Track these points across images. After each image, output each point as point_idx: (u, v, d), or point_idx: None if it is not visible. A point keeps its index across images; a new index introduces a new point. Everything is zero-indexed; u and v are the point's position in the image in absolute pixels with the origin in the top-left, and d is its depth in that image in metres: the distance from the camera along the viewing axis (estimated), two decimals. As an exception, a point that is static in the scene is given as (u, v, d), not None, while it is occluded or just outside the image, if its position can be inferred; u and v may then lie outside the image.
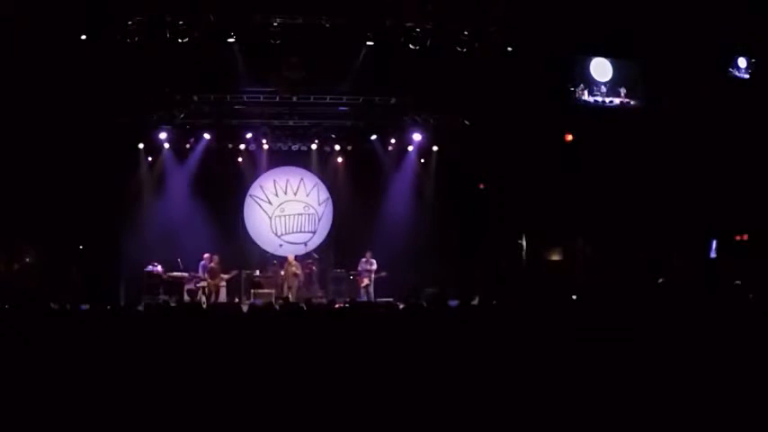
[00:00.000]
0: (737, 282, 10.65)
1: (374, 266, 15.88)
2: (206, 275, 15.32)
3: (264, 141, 17.19)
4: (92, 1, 12.29)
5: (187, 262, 15.68)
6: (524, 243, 16.08)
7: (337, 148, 17.55)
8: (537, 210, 15.14)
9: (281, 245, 17.41)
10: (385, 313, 8.52)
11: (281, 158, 17.83)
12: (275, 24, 13.04)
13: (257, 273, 16.50)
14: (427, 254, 16.99)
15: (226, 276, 15.61)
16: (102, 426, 3.98)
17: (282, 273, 15.86)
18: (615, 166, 14.59)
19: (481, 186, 17.06)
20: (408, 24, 13.37)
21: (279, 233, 17.77)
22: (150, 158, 16.81)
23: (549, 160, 14.85)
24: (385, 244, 16.20)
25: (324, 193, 18.11)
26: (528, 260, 16.03)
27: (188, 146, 16.86)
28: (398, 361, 4.87)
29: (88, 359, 4.92)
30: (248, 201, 17.81)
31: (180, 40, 12.68)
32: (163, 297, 14.87)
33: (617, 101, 14.62)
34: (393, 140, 17.50)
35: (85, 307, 9.06)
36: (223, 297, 15.72)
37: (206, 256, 15.52)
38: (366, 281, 15.73)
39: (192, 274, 15.46)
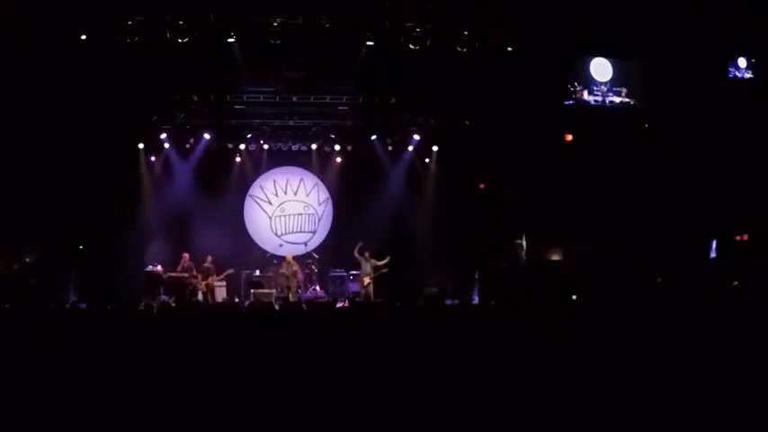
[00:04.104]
0: (737, 282, 10.66)
1: (380, 262, 15.73)
2: (192, 274, 15.34)
3: (264, 141, 17.20)
4: (92, 1, 12.29)
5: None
6: (524, 243, 16.07)
7: (337, 148, 17.54)
8: (537, 210, 15.13)
9: (281, 245, 17.40)
10: (385, 313, 8.51)
11: (281, 158, 17.81)
12: (275, 24, 13.04)
13: (257, 273, 16.49)
14: (427, 254, 16.99)
15: (219, 276, 15.58)
16: (102, 425, 3.98)
17: (282, 273, 15.85)
18: (615, 166, 14.60)
19: (481, 186, 17.06)
20: (408, 24, 13.37)
21: (279, 233, 17.77)
22: (150, 158, 16.81)
23: (549, 160, 14.85)
24: (385, 244, 16.18)
25: (324, 193, 18.10)
26: (528, 260, 16.02)
27: (188, 146, 16.86)
28: (398, 360, 4.87)
29: (88, 359, 4.92)
30: (248, 201, 17.81)
31: (180, 40, 12.68)
32: (163, 297, 14.86)
33: (617, 101, 14.62)
34: (393, 140, 17.50)
35: (85, 307, 9.07)
36: (222, 297, 15.73)
37: (185, 255, 15.54)
38: (367, 280, 15.69)
39: (191, 274, 15.47)
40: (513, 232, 16.23)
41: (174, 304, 13.10)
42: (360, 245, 15.61)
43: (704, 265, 14.67)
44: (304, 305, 10.47)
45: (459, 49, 13.57)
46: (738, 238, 14.89)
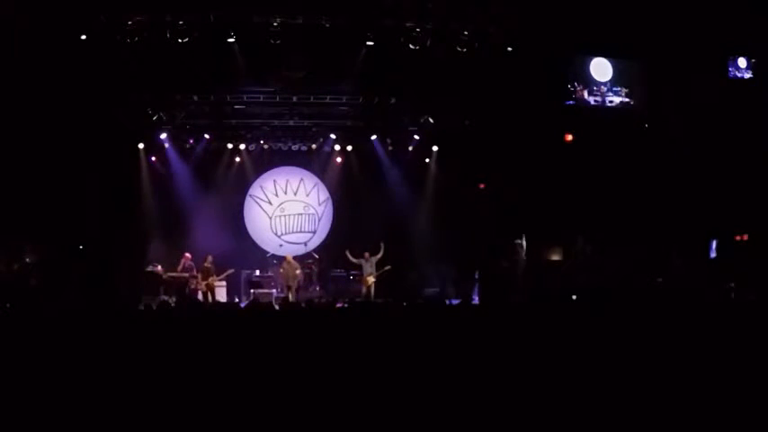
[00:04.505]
0: (737, 282, 10.65)
1: (379, 255, 15.70)
2: (192, 274, 15.35)
3: (264, 141, 17.20)
4: (92, 1, 12.29)
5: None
6: (524, 243, 16.07)
7: (337, 148, 17.55)
8: (537, 210, 15.13)
9: (281, 245, 17.42)
10: (385, 313, 8.50)
11: (281, 158, 17.85)
12: (275, 24, 13.04)
13: (257, 273, 16.50)
14: (427, 254, 17.00)
15: (219, 276, 15.58)
16: (102, 425, 3.97)
17: (282, 273, 15.86)
18: (615, 166, 14.59)
19: (481, 186, 17.06)
20: (408, 24, 13.37)
21: (279, 233, 17.78)
22: (151, 158, 16.82)
23: (549, 160, 14.85)
24: (385, 244, 16.19)
25: (324, 193, 18.11)
26: (528, 260, 16.02)
27: (188, 146, 16.88)
28: (398, 360, 4.87)
29: (88, 359, 4.91)
30: (248, 201, 17.82)
31: (180, 40, 12.68)
32: (163, 297, 14.87)
33: (617, 101, 14.62)
34: (393, 140, 17.50)
35: (85, 307, 9.06)
36: (222, 297, 15.74)
37: (187, 255, 15.57)
38: (371, 279, 15.69)
39: (191, 273, 15.48)
40: (513, 232, 16.23)
41: (174, 304, 13.10)
42: (347, 252, 15.65)
43: (704, 265, 14.66)
44: (304, 305, 10.47)
45: (459, 49, 13.57)
46: (738, 238, 14.88)
